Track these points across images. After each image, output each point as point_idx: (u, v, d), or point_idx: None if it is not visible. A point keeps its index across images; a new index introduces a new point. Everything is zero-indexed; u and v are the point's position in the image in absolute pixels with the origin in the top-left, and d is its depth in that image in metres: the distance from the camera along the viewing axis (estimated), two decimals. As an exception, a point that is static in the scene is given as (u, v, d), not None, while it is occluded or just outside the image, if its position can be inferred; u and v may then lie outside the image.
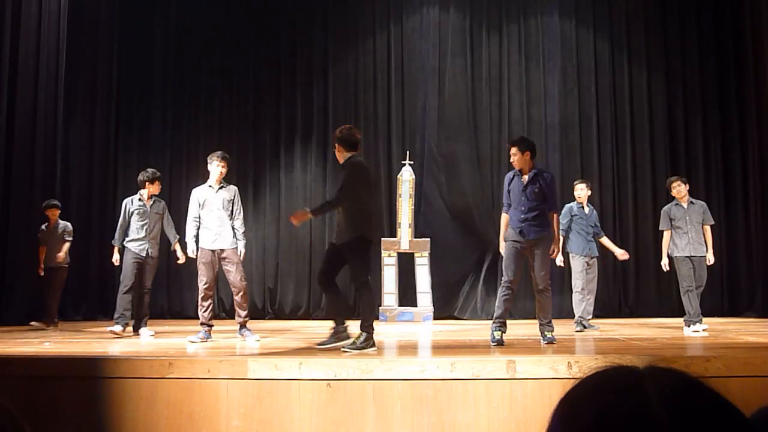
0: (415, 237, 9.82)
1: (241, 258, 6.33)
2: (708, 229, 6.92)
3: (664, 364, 0.74)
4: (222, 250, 6.18)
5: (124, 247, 6.88)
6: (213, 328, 6.19)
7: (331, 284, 5.14)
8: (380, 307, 9.19)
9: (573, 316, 7.28)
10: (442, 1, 10.81)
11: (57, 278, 8.21)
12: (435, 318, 9.45)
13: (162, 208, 7.05)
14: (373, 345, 4.81)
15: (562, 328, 6.42)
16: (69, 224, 8.42)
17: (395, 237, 9.83)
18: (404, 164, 9.99)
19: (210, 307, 6.17)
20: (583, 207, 7.44)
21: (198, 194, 6.33)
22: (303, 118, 10.89)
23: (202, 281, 6.15)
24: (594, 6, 10.85)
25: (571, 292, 7.46)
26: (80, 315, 9.42)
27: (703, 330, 6.56)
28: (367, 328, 4.82)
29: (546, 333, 5.44)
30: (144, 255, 6.80)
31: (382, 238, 9.66)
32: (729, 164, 10.38)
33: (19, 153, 8.60)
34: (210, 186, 6.33)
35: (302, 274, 10.51)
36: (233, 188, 6.43)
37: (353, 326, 4.95)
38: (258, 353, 5.08)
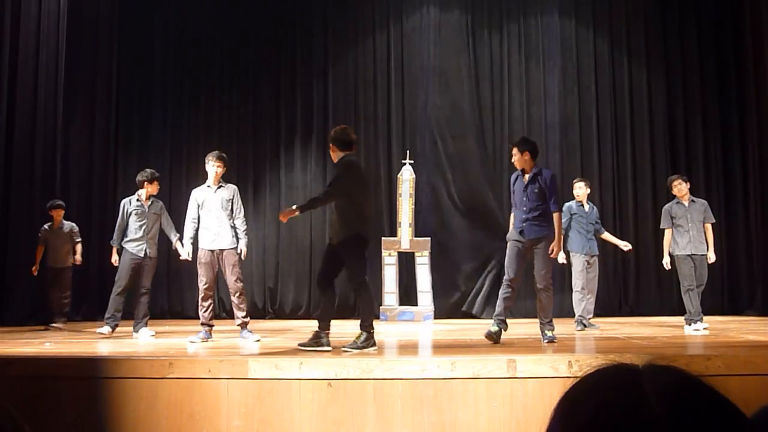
0: (415, 236, 9.82)
1: (243, 256, 6.34)
2: (709, 227, 6.92)
3: (664, 362, 0.74)
4: (221, 251, 6.18)
5: (122, 247, 6.88)
6: (213, 328, 6.20)
7: (330, 286, 5.12)
8: (381, 307, 9.18)
9: (573, 315, 7.28)
10: (442, 1, 10.80)
11: (64, 278, 8.22)
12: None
13: (160, 209, 7.04)
14: (374, 344, 4.81)
15: (562, 327, 6.43)
16: (75, 225, 8.42)
17: (396, 236, 9.84)
18: (404, 164, 9.99)
19: (210, 307, 6.18)
20: (582, 205, 7.43)
21: (197, 195, 6.34)
22: (303, 118, 10.88)
23: (202, 281, 6.16)
24: (594, 6, 10.84)
25: (572, 291, 7.46)
26: (80, 315, 9.40)
27: (704, 329, 6.57)
28: (367, 328, 4.81)
29: (546, 332, 5.45)
30: (142, 255, 6.80)
31: (383, 238, 9.67)
32: (729, 164, 10.37)
33: (19, 153, 8.60)
34: (208, 186, 6.34)
35: (302, 274, 10.50)
36: (232, 187, 6.44)
37: (353, 326, 4.94)
38: (258, 353, 5.08)
